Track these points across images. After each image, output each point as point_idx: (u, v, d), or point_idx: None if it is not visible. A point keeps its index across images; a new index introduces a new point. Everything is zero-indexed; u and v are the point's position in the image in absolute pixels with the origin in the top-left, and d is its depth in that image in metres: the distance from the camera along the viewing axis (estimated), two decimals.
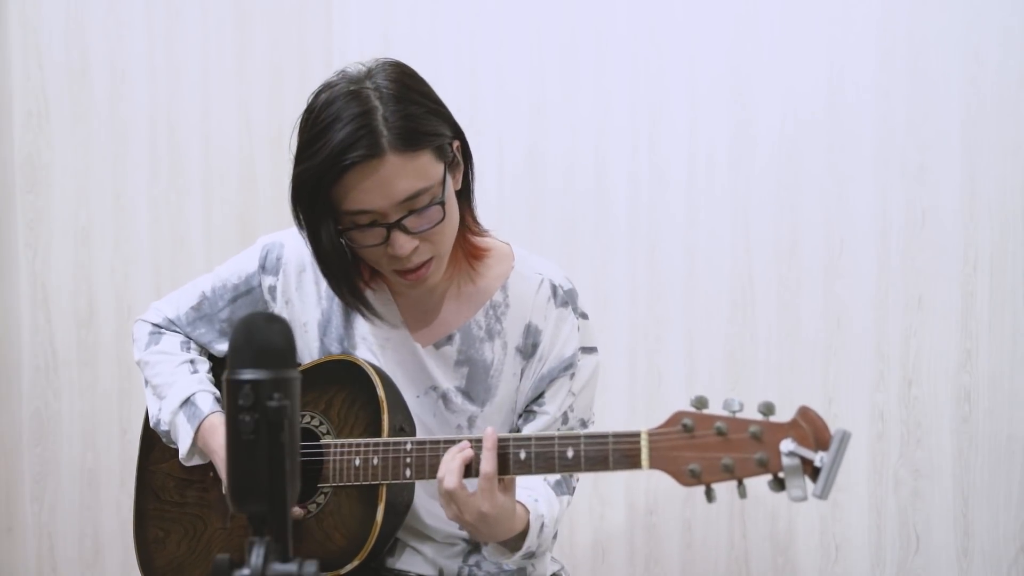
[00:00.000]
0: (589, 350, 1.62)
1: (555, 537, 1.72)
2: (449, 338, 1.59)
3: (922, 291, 2.09)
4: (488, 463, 1.37)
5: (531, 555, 1.53)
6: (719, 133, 2.23)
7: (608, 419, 2.29)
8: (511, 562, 1.52)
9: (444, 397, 1.59)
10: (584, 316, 1.62)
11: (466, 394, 1.59)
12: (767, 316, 2.20)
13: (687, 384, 2.27)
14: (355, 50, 2.54)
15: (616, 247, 2.32)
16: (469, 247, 1.59)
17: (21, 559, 2.47)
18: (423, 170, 1.43)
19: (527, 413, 1.60)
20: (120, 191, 2.47)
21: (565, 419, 1.60)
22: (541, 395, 1.59)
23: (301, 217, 1.49)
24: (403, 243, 1.45)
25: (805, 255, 2.17)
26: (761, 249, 2.21)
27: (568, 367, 1.58)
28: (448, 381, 1.59)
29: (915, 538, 2.11)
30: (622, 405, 2.30)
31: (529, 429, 1.59)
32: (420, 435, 1.58)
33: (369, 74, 1.46)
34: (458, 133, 1.51)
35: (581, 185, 2.34)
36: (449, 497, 1.39)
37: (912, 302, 2.09)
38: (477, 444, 1.40)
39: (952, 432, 2.07)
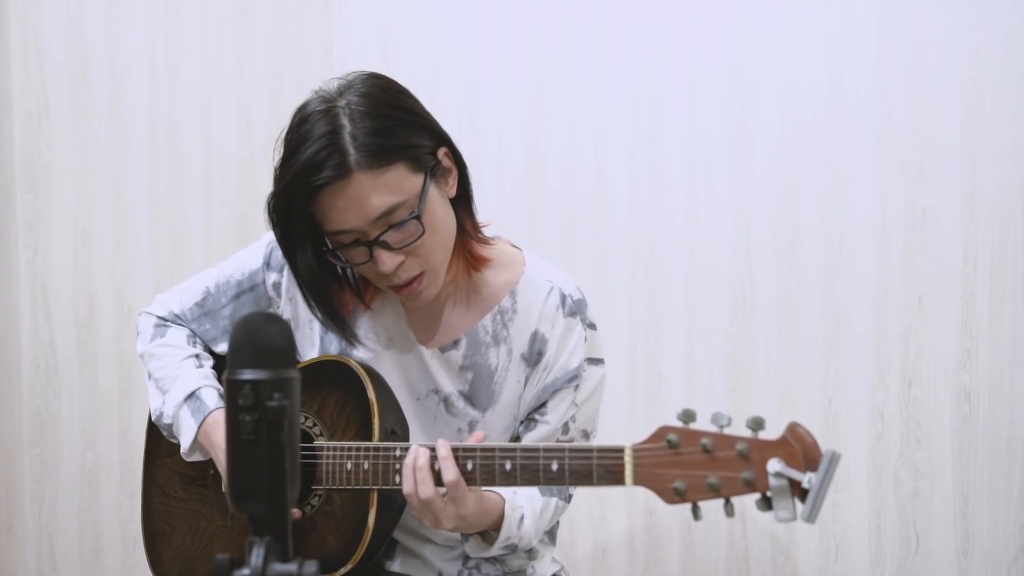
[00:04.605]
0: (595, 361, 1.60)
1: (552, 540, 1.72)
2: (455, 343, 1.58)
3: (922, 291, 2.09)
4: (450, 472, 1.37)
5: (513, 547, 1.53)
6: (719, 133, 2.23)
7: (608, 420, 2.29)
8: (492, 552, 1.52)
9: (446, 401, 1.58)
10: (592, 327, 1.60)
11: (468, 399, 1.58)
12: (767, 316, 2.20)
13: (687, 384, 2.27)
14: (355, 50, 2.54)
15: (616, 247, 2.32)
16: (470, 255, 1.56)
17: (21, 559, 2.47)
18: (395, 184, 1.41)
19: (528, 421, 1.59)
20: (120, 191, 2.47)
21: (566, 429, 1.58)
22: (543, 404, 1.58)
23: (279, 239, 1.49)
24: (386, 260, 1.43)
25: (805, 255, 2.17)
26: (761, 249, 2.21)
27: (573, 379, 1.56)
28: (451, 385, 1.58)
29: (915, 538, 2.11)
30: (622, 405, 2.30)
31: (529, 438, 1.58)
32: (417, 437, 1.58)
33: (341, 91, 1.44)
34: (442, 140, 1.49)
35: (581, 185, 2.34)
36: (425, 506, 1.39)
37: (912, 302, 2.09)
38: (433, 451, 1.40)
39: (952, 432, 2.07)
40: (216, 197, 2.52)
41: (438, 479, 1.39)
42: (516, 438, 1.60)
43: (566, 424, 1.58)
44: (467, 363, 1.58)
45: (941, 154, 2.06)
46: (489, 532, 1.51)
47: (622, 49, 2.30)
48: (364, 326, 1.60)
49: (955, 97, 2.05)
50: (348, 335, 1.57)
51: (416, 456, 1.40)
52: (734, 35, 2.22)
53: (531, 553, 1.67)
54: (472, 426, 1.58)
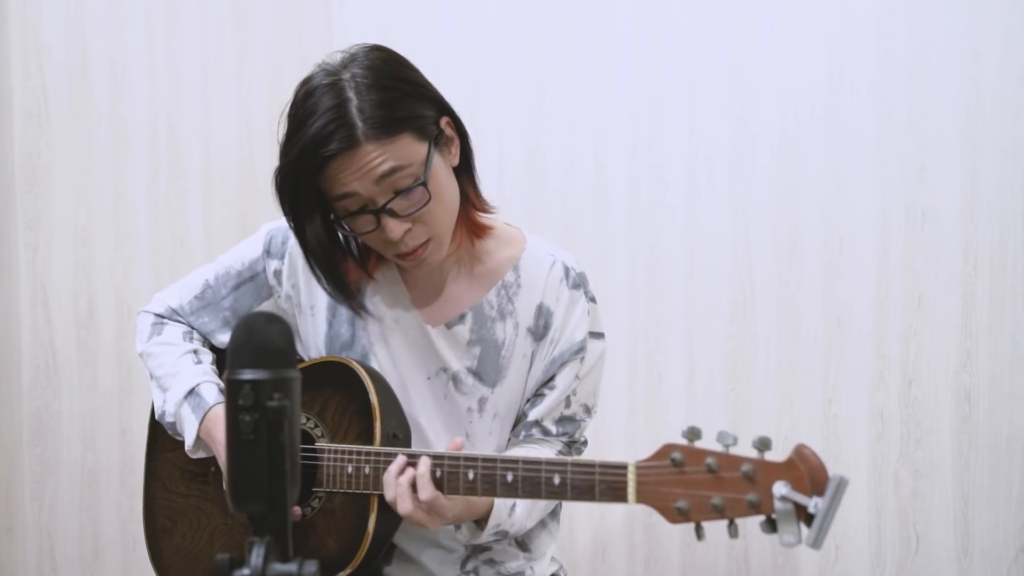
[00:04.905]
0: (596, 335, 1.62)
1: (555, 518, 1.71)
2: (461, 317, 1.58)
3: (922, 291, 2.09)
4: (425, 491, 1.39)
5: (504, 533, 1.54)
6: (719, 133, 2.23)
7: (608, 420, 2.29)
8: (483, 539, 1.53)
9: (455, 379, 1.59)
10: (593, 300, 1.62)
11: (477, 375, 1.59)
12: (767, 316, 2.20)
13: (687, 384, 2.27)
14: None
15: (616, 247, 2.32)
16: (472, 224, 1.58)
17: (21, 559, 2.47)
18: (401, 152, 1.42)
19: (536, 396, 1.60)
20: (120, 191, 2.47)
21: (568, 403, 1.60)
22: (552, 378, 1.59)
23: (288, 212, 1.50)
24: (393, 227, 1.44)
25: (805, 255, 2.17)
26: (761, 249, 2.21)
27: (579, 351, 1.58)
28: (459, 362, 1.59)
29: (915, 538, 2.11)
30: (622, 405, 2.30)
31: (534, 413, 1.59)
32: (431, 417, 1.58)
33: (345, 64, 1.45)
34: (445, 110, 1.51)
35: (581, 185, 2.34)
36: (409, 518, 1.41)
37: (912, 302, 2.09)
38: (436, 459, 1.40)
39: (952, 432, 2.07)
40: (216, 197, 2.52)
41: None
42: (523, 415, 1.61)
43: (568, 398, 1.59)
44: (474, 337, 1.59)
45: (941, 154, 2.06)
46: (480, 520, 1.52)
47: (622, 49, 2.30)
48: (370, 305, 1.60)
49: (955, 97, 2.05)
50: (357, 306, 1.58)
51: (398, 469, 1.42)
52: (734, 35, 2.22)
53: (530, 553, 1.67)
54: (482, 404, 1.59)
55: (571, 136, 2.35)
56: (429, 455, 1.41)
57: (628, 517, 2.33)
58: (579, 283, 1.61)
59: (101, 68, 2.45)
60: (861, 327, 2.13)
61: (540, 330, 1.59)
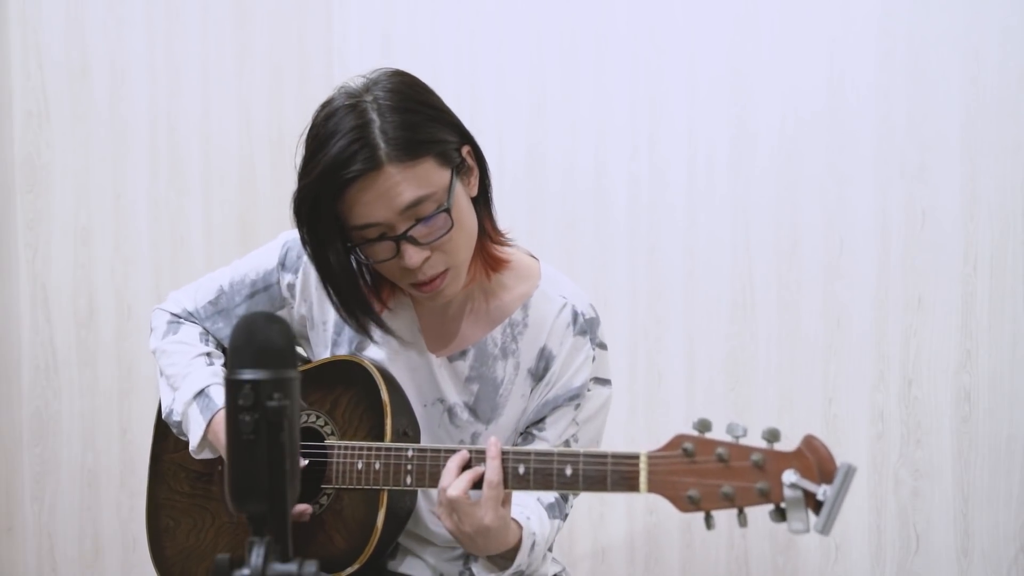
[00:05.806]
0: (602, 381, 1.60)
1: (545, 557, 1.71)
2: (463, 353, 1.57)
3: (922, 291, 2.09)
4: (494, 472, 1.35)
5: (520, 574, 1.53)
6: (719, 133, 2.23)
7: (608, 420, 2.29)
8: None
9: (450, 411, 1.58)
10: (602, 347, 1.59)
11: (472, 410, 1.58)
12: (767, 316, 2.20)
13: (687, 384, 2.27)
14: (355, 50, 2.54)
15: (616, 247, 2.32)
16: (488, 257, 1.55)
17: (21, 559, 2.47)
18: (425, 177, 1.40)
19: (526, 434, 1.59)
20: (120, 191, 2.47)
21: (568, 447, 1.58)
22: (542, 420, 1.57)
23: (305, 237, 1.47)
24: (413, 254, 1.42)
25: (805, 255, 2.17)
26: (761, 249, 2.21)
27: (574, 398, 1.56)
28: (456, 396, 1.58)
29: (915, 538, 2.11)
30: (622, 405, 2.30)
31: None
32: (424, 442, 1.57)
33: (367, 87, 1.43)
34: (466, 139, 1.48)
35: (581, 185, 2.34)
36: (451, 506, 1.37)
37: (912, 302, 2.09)
38: (477, 454, 1.38)
39: (952, 432, 2.07)
40: (216, 197, 2.52)
41: (475, 484, 1.38)
42: None
43: (567, 442, 1.57)
44: (473, 374, 1.57)
45: (941, 154, 2.06)
46: (497, 559, 1.49)
47: (622, 49, 2.30)
48: (378, 332, 1.59)
49: (955, 97, 2.05)
50: (368, 332, 1.56)
51: (457, 456, 1.39)
52: (734, 35, 2.22)
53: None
54: (475, 439, 1.58)
55: (571, 136, 2.35)
56: (442, 449, 1.40)
57: (629, 518, 2.33)
58: (586, 329, 1.57)
59: (101, 68, 2.45)
60: (861, 327, 2.13)
61: (540, 372, 1.57)
